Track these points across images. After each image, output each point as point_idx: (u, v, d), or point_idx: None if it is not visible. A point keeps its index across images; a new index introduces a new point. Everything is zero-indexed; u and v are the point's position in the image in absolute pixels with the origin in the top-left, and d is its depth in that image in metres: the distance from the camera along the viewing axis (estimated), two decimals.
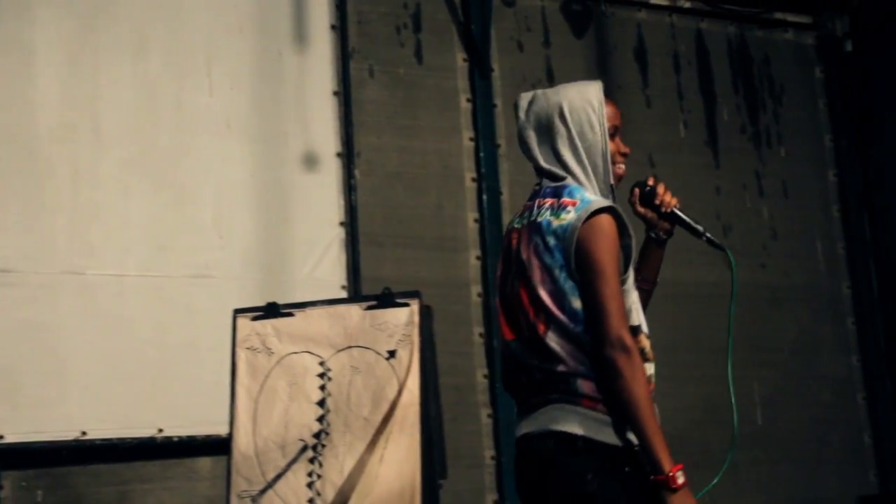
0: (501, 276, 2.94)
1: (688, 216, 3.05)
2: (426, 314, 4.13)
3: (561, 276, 2.75)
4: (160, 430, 4.74)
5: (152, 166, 5.01)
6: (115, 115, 4.97)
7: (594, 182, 2.84)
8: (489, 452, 5.59)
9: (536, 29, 6.27)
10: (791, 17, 7.01)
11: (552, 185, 2.87)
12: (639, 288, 2.97)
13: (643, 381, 2.66)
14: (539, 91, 2.97)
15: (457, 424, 5.44)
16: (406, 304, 3.92)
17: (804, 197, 6.78)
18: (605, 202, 2.78)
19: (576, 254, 2.73)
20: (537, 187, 2.94)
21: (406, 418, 3.68)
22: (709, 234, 3.05)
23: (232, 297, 4.62)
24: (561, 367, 2.72)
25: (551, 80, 6.22)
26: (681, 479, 2.61)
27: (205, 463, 4.87)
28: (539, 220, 2.82)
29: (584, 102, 2.85)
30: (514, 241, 2.90)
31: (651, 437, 2.61)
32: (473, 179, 5.89)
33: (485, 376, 5.66)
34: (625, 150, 2.95)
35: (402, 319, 3.89)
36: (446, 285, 5.66)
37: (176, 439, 4.78)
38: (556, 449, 2.71)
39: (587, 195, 2.80)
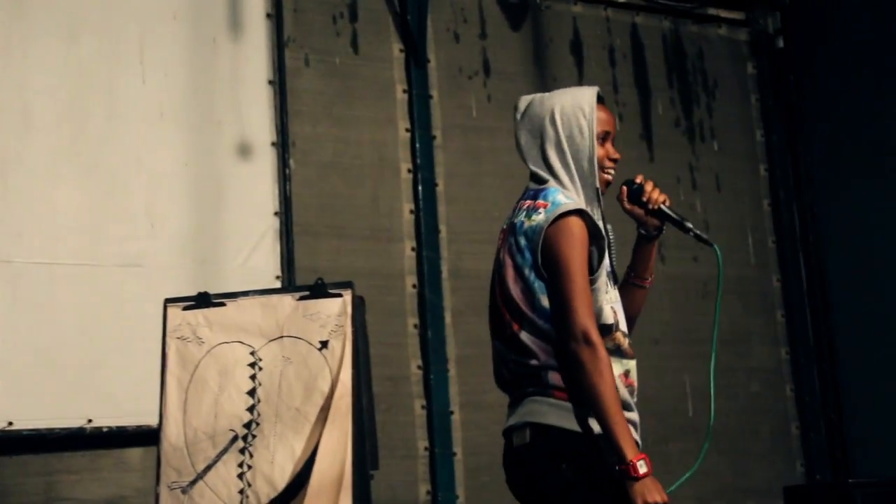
0: (492, 275, 3.03)
1: (675, 212, 3.10)
2: (359, 305, 4.12)
3: (530, 275, 2.82)
4: (90, 421, 4.68)
5: (83, 153, 4.94)
6: (45, 101, 4.89)
7: (579, 186, 2.91)
8: (423, 443, 5.60)
9: (473, 21, 6.28)
10: (724, 13, 7.10)
11: (535, 187, 2.96)
12: (633, 285, 3.08)
13: (607, 375, 2.71)
14: (538, 95, 3.04)
15: (391, 415, 5.45)
16: (339, 295, 3.91)
17: (736, 191, 6.87)
18: (575, 205, 2.83)
19: (543, 253, 2.80)
20: (527, 188, 3.04)
21: (338, 409, 3.68)
22: (696, 230, 3.12)
23: (164, 286, 4.57)
24: (533, 362, 2.80)
25: (487, 73, 6.24)
26: (643, 469, 2.67)
27: (135, 454, 4.82)
28: (515, 221, 2.92)
29: (576, 108, 2.92)
30: (500, 242, 3.02)
31: (613, 427, 2.68)
32: (409, 170, 5.89)
33: (419, 367, 5.67)
34: (615, 155, 2.99)
35: (335, 310, 3.88)
36: (381, 276, 5.65)
37: (105, 430, 4.73)
38: (532, 440, 2.78)
39: (559, 198, 2.85)
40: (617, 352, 2.85)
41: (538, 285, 2.81)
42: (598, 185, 2.91)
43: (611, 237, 2.96)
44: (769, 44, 7.17)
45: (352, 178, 5.75)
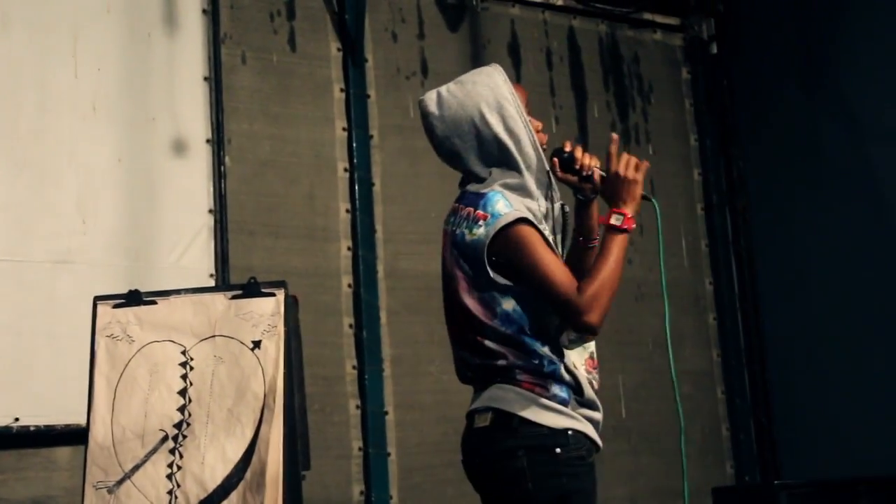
0: (442, 284, 2.94)
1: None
2: (292, 304, 4.11)
3: (483, 288, 2.77)
4: (16, 419, 4.61)
5: (13, 147, 4.86)
6: None
7: (529, 177, 2.82)
8: (357, 443, 5.59)
9: (411, 21, 6.28)
10: (660, 19, 7.17)
11: (475, 189, 2.85)
12: (584, 249, 3.00)
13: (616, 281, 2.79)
14: (442, 90, 2.91)
15: (325, 415, 5.43)
16: (272, 294, 3.89)
17: (670, 194, 6.93)
18: (514, 214, 2.73)
19: (501, 269, 2.75)
20: (462, 188, 2.94)
21: (270, 410, 3.66)
22: None
23: (95, 283, 4.52)
24: (501, 362, 2.77)
25: (425, 73, 6.24)
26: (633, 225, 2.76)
27: (63, 453, 4.75)
28: (456, 231, 2.83)
29: (500, 97, 2.83)
30: (443, 244, 2.92)
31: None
32: (346, 169, 5.87)
33: (354, 367, 5.66)
34: (537, 125, 2.89)
35: (268, 309, 3.86)
36: (316, 275, 5.63)
37: (33, 428, 4.66)
38: (492, 424, 2.76)
39: (499, 207, 2.75)
40: (580, 338, 2.85)
41: (493, 295, 2.75)
42: (547, 166, 2.85)
43: (566, 214, 2.91)
44: (703, 49, 7.26)
45: (288, 176, 5.72)
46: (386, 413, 5.67)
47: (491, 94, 2.84)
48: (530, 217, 2.75)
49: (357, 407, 5.62)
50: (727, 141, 7.14)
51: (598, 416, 2.87)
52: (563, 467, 2.72)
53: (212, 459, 3.63)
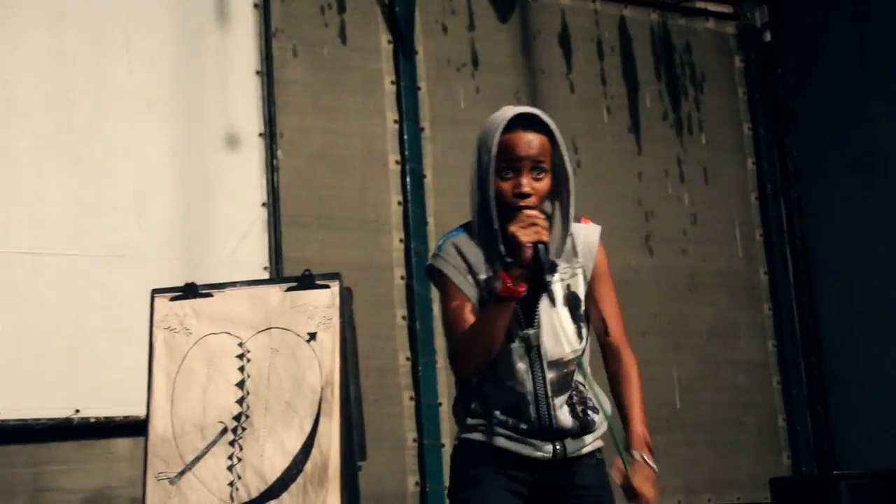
0: None
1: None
2: (347, 296, 4.11)
3: None
4: (77, 411, 4.66)
5: (69, 143, 4.91)
6: (30, 89, 4.86)
7: (476, 226, 2.78)
8: (411, 435, 5.60)
9: (461, 12, 6.27)
10: (712, 7, 7.10)
11: None
12: None
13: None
14: None
15: (379, 407, 5.44)
16: (326, 286, 3.90)
17: (724, 184, 6.88)
18: (431, 260, 2.86)
19: None
20: None
21: (327, 402, 3.67)
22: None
23: (151, 277, 4.56)
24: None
25: (476, 64, 6.23)
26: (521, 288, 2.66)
27: (123, 444, 4.80)
28: None
29: (480, 140, 2.78)
30: None
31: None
32: (397, 162, 5.88)
33: (407, 359, 5.66)
34: (518, 189, 2.71)
35: (323, 301, 3.87)
36: (369, 267, 5.64)
37: (93, 420, 4.71)
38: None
39: (440, 244, 2.85)
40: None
41: None
42: (495, 225, 2.71)
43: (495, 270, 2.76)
44: (757, 37, 7.18)
45: (340, 169, 5.73)
46: (440, 404, 5.67)
47: (483, 131, 2.80)
48: (444, 262, 2.80)
49: (411, 398, 5.63)
50: (781, 130, 7.06)
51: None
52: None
53: (271, 452, 3.64)
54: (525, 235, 2.61)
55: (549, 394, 2.77)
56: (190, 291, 3.97)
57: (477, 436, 2.83)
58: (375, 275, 5.67)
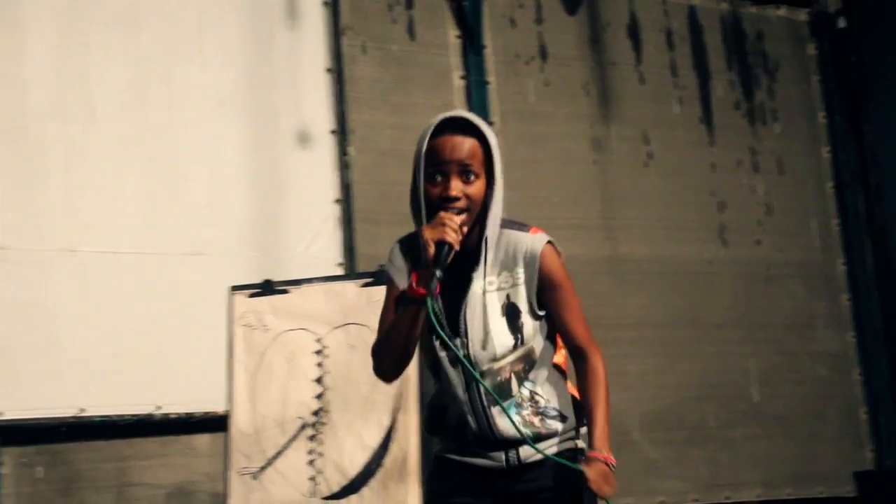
0: None
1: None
2: None
3: None
4: (158, 408, 4.72)
5: (145, 143, 4.98)
6: (107, 91, 4.93)
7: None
8: None
9: (529, 5, 6.24)
10: None
11: None
12: None
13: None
14: None
15: None
16: None
17: (799, 173, 6.77)
18: (384, 263, 2.83)
19: None
20: None
21: (405, 396, 3.67)
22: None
23: (227, 274, 4.60)
24: None
25: (544, 57, 6.20)
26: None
27: (203, 440, 4.86)
28: None
29: (419, 142, 2.76)
30: None
31: None
32: None
33: None
34: (445, 193, 2.65)
35: None
36: None
37: (174, 416, 4.76)
38: None
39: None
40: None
41: None
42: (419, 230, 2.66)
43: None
44: (830, 24, 7.05)
45: (410, 164, 5.71)
46: None
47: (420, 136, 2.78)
48: (387, 262, 2.79)
49: None
50: (858, 117, 6.92)
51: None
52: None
53: (350, 446, 3.67)
54: (430, 234, 2.56)
55: (485, 403, 2.66)
56: (267, 288, 4.01)
57: (438, 450, 2.79)
58: None
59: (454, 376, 2.68)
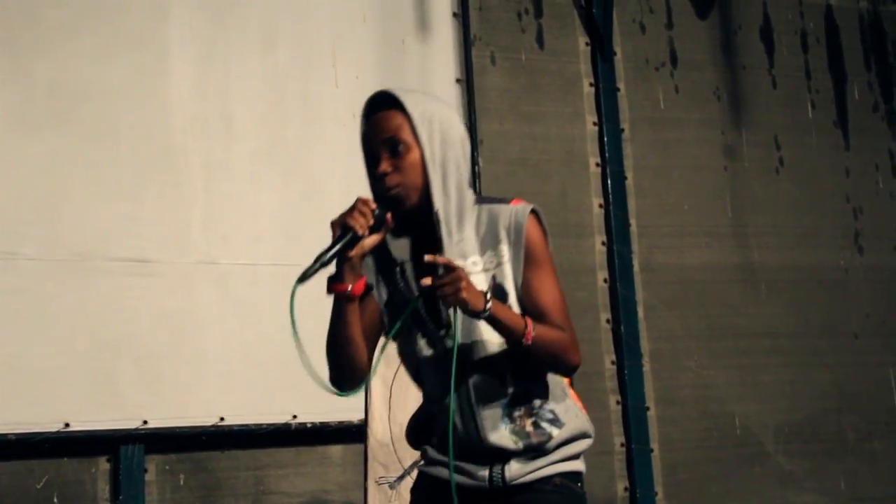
0: None
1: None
2: None
3: None
4: (294, 417, 4.80)
5: (282, 157, 5.07)
6: (246, 107, 5.05)
7: None
8: (619, 439, 5.56)
9: (659, 10, 6.19)
10: None
11: None
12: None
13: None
14: None
15: (585, 411, 5.41)
16: None
17: None
18: None
19: None
20: None
21: None
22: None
23: None
24: None
25: (675, 63, 6.14)
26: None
27: (336, 450, 4.93)
28: None
29: None
30: None
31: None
32: (597, 164, 5.85)
33: (612, 363, 5.62)
34: (378, 173, 2.47)
35: None
36: (572, 271, 5.62)
37: (309, 426, 4.83)
38: None
39: None
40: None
41: None
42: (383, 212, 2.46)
43: (403, 269, 2.52)
44: None
45: (540, 173, 5.74)
46: (647, 408, 5.61)
47: None
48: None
49: (617, 402, 5.59)
50: None
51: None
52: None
53: None
54: (338, 219, 2.42)
55: (473, 402, 2.42)
56: None
57: (423, 466, 2.59)
58: (578, 278, 5.65)
59: (437, 377, 2.46)
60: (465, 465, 2.44)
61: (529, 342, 2.34)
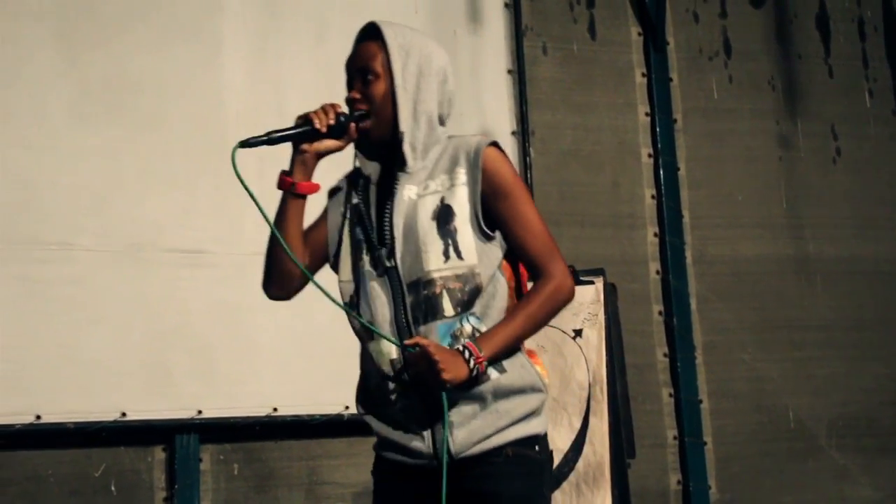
0: None
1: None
2: (611, 292, 4.10)
3: None
4: (346, 408, 4.81)
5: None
6: (298, 99, 5.04)
7: None
8: (671, 432, 5.52)
9: (713, 0, 6.13)
10: None
11: None
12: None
13: None
14: None
15: (637, 404, 5.37)
16: (591, 283, 3.91)
17: None
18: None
19: None
20: None
21: (596, 399, 3.66)
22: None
23: None
24: None
25: (729, 53, 6.08)
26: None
27: None
28: None
29: None
30: None
31: None
32: (650, 155, 5.81)
33: (665, 355, 5.59)
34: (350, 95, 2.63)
35: (588, 298, 3.88)
36: (624, 263, 5.59)
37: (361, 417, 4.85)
38: None
39: None
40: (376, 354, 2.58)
41: None
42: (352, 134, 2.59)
43: (368, 183, 2.62)
44: None
45: (592, 164, 5.72)
46: (700, 401, 5.57)
47: None
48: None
49: (670, 395, 5.55)
50: None
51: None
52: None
53: None
54: (304, 113, 2.54)
55: (410, 320, 2.40)
56: None
57: (377, 448, 2.57)
58: (630, 270, 5.62)
59: (378, 292, 2.49)
60: (401, 437, 2.46)
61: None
